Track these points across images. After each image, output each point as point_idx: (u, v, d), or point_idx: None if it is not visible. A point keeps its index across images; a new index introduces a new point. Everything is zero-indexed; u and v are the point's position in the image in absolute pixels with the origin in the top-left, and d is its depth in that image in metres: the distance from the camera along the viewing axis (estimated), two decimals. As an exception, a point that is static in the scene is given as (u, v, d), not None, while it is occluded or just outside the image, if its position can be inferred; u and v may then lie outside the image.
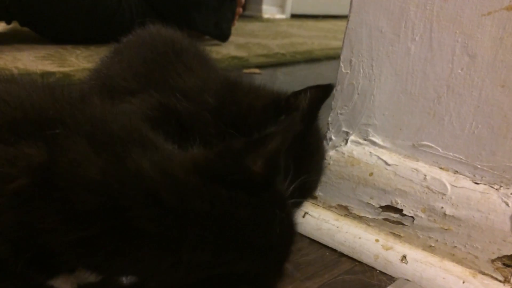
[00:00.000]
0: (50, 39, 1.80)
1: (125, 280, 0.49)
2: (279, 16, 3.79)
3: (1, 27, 1.88)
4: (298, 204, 0.67)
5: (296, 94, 0.65)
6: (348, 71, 0.72)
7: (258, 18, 3.60)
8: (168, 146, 0.50)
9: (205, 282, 0.43)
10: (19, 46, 1.67)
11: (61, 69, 1.44)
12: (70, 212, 0.42)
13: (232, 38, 2.26)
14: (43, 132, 0.45)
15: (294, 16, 3.87)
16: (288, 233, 0.48)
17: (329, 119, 0.75)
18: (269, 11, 3.74)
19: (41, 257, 0.49)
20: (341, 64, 0.73)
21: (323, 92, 0.65)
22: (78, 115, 0.48)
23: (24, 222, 0.44)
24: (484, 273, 0.61)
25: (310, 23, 3.60)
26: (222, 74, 0.76)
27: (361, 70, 0.71)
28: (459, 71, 0.62)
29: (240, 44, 2.26)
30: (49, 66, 1.46)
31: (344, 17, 0.74)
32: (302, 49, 2.34)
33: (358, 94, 0.72)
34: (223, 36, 2.19)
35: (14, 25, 1.79)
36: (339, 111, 0.74)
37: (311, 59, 2.15)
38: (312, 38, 2.77)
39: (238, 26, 2.55)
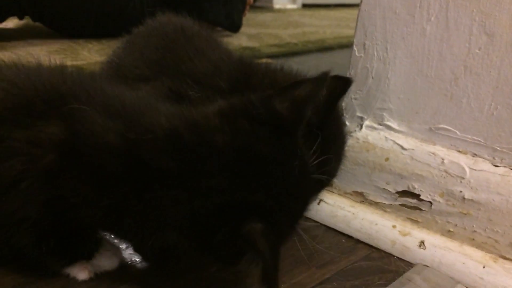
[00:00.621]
0: (62, 34, 1.81)
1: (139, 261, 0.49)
2: (290, 6, 3.76)
3: (13, 23, 1.89)
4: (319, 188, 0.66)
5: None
6: (362, 55, 0.71)
7: (269, 8, 3.57)
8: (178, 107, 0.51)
9: (221, 210, 0.43)
10: (32, 41, 1.68)
11: (74, 63, 1.44)
12: (98, 179, 0.45)
13: (243, 29, 2.25)
14: (59, 109, 0.47)
15: (305, 6, 3.84)
16: (305, 187, 0.48)
17: (343, 104, 0.74)
18: (280, 1, 3.71)
19: (61, 241, 0.50)
20: (355, 48, 0.71)
21: (342, 85, 0.63)
22: (90, 90, 0.50)
23: (57, 197, 0.46)
24: (505, 258, 0.60)
25: (322, 12, 3.56)
26: (236, 57, 0.74)
27: (375, 53, 0.69)
28: (477, 50, 0.60)
29: (252, 35, 2.24)
30: (61, 61, 1.47)
31: (356, 5, 0.72)
32: (314, 38, 2.32)
33: (372, 78, 0.70)
34: (234, 27, 2.17)
35: (27, 20, 1.80)
36: (353, 96, 0.73)
37: (324, 48, 2.13)
38: (324, 27, 2.74)
39: (249, 17, 2.54)
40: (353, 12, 0.69)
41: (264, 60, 1.78)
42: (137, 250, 0.59)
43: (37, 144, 0.46)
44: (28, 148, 0.46)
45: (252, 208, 0.44)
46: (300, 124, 0.47)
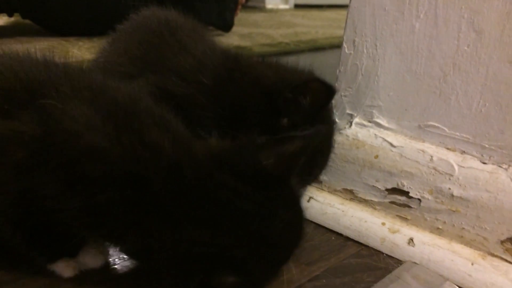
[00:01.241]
0: (53, 31, 1.79)
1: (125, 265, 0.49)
2: (282, 6, 3.76)
3: (3, 20, 1.87)
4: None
5: (294, 89, 0.62)
6: (352, 52, 0.71)
7: (261, 8, 3.57)
8: (180, 126, 0.50)
9: (199, 259, 0.43)
10: (21, 39, 1.66)
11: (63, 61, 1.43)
12: (73, 179, 0.43)
13: (235, 28, 2.24)
14: (36, 101, 0.45)
15: (297, 6, 3.84)
16: (292, 235, 0.48)
17: (333, 101, 0.74)
18: (272, 1, 3.71)
19: (43, 237, 0.49)
20: (344, 45, 0.71)
21: (325, 92, 0.62)
22: (75, 82, 0.48)
23: (27, 190, 0.45)
24: (493, 255, 0.60)
25: (314, 13, 3.57)
26: (221, 51, 0.73)
27: (365, 50, 0.69)
28: (466, 48, 0.60)
29: (243, 34, 2.24)
30: (51, 58, 1.45)
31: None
32: (306, 38, 2.32)
33: (362, 75, 0.70)
34: (226, 26, 2.17)
35: (16, 18, 1.78)
36: (342, 93, 0.73)
37: (316, 48, 2.13)
38: (316, 27, 2.74)
39: (241, 17, 2.53)
40: (345, 13, 0.69)
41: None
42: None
43: (9, 140, 0.44)
44: (3, 141, 0.45)
45: (227, 261, 0.43)
46: (288, 178, 0.47)
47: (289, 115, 0.62)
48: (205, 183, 0.44)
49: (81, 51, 1.60)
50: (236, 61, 0.69)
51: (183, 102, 0.63)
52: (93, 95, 0.47)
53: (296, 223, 0.48)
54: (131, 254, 0.52)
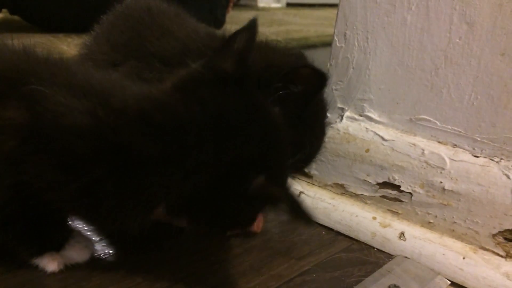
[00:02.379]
0: (42, 28, 1.77)
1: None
2: (274, 4, 3.76)
3: (-9, 16, 1.85)
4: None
5: (284, 77, 0.60)
6: (343, 45, 0.70)
7: (253, 6, 3.57)
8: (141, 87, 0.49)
9: (218, 181, 0.43)
10: (10, 35, 1.64)
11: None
12: (67, 162, 0.43)
13: (226, 26, 2.23)
14: (18, 89, 0.44)
15: (289, 5, 3.84)
16: (278, 130, 0.49)
17: (324, 95, 0.73)
18: (264, 0, 3.71)
19: (29, 230, 0.48)
20: (335, 38, 0.70)
21: (318, 79, 0.61)
22: (53, 69, 0.48)
23: (20, 182, 0.44)
24: (485, 249, 0.59)
25: (306, 11, 3.57)
26: (204, 32, 0.71)
27: (356, 43, 0.68)
28: (457, 40, 0.60)
29: (235, 32, 2.23)
30: (39, 54, 1.43)
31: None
32: (298, 36, 2.31)
33: (353, 68, 0.69)
34: (217, 23, 2.16)
35: (4, 13, 1.76)
36: (333, 87, 0.72)
37: (307, 45, 2.12)
38: (308, 25, 2.74)
39: (233, 15, 2.52)
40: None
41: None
42: (110, 234, 0.57)
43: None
44: None
45: (247, 166, 0.43)
46: (247, 74, 0.48)
47: (280, 103, 0.61)
48: (178, 111, 0.44)
49: (69, 47, 1.58)
50: (222, 40, 0.67)
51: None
52: (68, 79, 0.47)
53: (277, 122, 0.49)
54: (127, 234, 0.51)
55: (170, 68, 0.62)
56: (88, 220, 0.49)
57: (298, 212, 0.45)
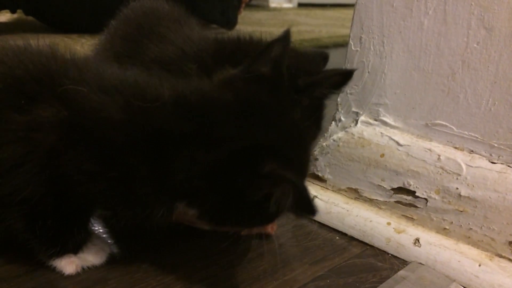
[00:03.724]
0: (56, 28, 1.79)
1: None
2: (286, 5, 3.76)
3: (6, 17, 1.87)
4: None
5: (309, 85, 0.62)
6: (358, 49, 0.69)
7: (265, 7, 3.56)
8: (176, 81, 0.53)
9: (235, 158, 0.45)
10: (24, 35, 1.66)
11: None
12: (104, 153, 0.46)
13: (238, 26, 2.24)
14: (51, 89, 0.47)
15: (301, 5, 3.83)
16: (302, 127, 0.52)
17: (339, 99, 0.73)
18: (276, 0, 3.70)
19: (52, 230, 0.50)
20: (351, 42, 0.70)
21: (343, 79, 0.63)
22: (82, 67, 0.50)
23: (60, 176, 0.46)
24: (501, 256, 0.59)
25: (318, 12, 3.56)
26: (200, 37, 0.71)
27: (372, 47, 0.68)
28: (475, 45, 0.59)
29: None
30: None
31: (352, 5, 0.71)
32: (310, 37, 2.31)
33: (368, 72, 0.69)
34: (229, 24, 2.16)
35: (19, 14, 1.78)
36: (348, 91, 0.72)
37: (319, 46, 2.12)
38: (320, 26, 2.73)
39: (245, 15, 2.53)
40: (348, 12, 0.69)
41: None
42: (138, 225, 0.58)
43: (36, 129, 0.46)
44: (29, 134, 0.46)
45: (264, 151, 0.46)
46: (283, 78, 0.52)
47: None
48: (217, 94, 0.48)
49: (83, 48, 1.59)
50: (218, 43, 0.68)
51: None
52: (98, 77, 0.49)
53: (301, 122, 0.54)
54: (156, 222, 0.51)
55: (170, 74, 0.63)
56: (116, 213, 0.50)
57: (302, 202, 0.45)
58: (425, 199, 0.64)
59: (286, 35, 0.54)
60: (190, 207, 0.49)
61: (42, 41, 0.53)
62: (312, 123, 0.66)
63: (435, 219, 0.63)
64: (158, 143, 0.46)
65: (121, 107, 0.46)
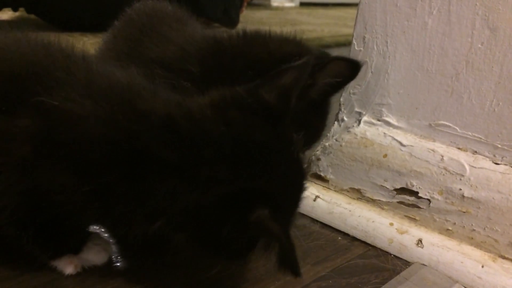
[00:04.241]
0: (58, 26, 1.78)
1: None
2: (288, 4, 3.75)
3: (8, 15, 1.87)
4: None
5: (314, 71, 0.60)
6: (361, 49, 0.69)
7: (266, 6, 3.56)
8: (172, 95, 0.49)
9: (224, 202, 0.42)
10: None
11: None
12: (79, 167, 0.43)
13: (240, 25, 2.23)
14: (31, 94, 0.44)
15: (303, 4, 3.82)
16: (299, 166, 0.48)
17: (341, 99, 0.73)
18: (278, -1, 3.70)
19: (47, 233, 0.49)
20: (354, 41, 0.70)
21: (350, 69, 0.61)
22: (72, 67, 0.47)
23: (34, 187, 0.44)
24: (504, 257, 0.58)
25: (320, 11, 3.55)
26: (199, 36, 0.70)
27: (375, 47, 0.68)
28: (479, 45, 0.59)
29: (249, 32, 2.22)
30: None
31: (355, 5, 0.71)
32: (312, 36, 2.30)
33: (371, 72, 0.69)
34: (231, 23, 2.16)
35: (21, 12, 1.78)
36: (351, 91, 0.71)
37: (321, 46, 2.11)
38: (322, 25, 2.73)
39: (247, 14, 2.52)
40: (351, 11, 0.68)
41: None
42: (122, 240, 0.57)
43: (10, 138, 0.44)
44: (2, 143, 0.44)
45: (256, 196, 0.43)
46: (288, 111, 0.47)
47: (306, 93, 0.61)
48: (207, 125, 0.43)
49: (85, 46, 1.59)
50: (219, 43, 0.67)
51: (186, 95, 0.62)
52: (88, 78, 0.46)
53: (300, 159, 0.49)
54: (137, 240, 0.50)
55: (172, 74, 0.62)
56: (99, 223, 0.49)
57: (287, 259, 0.43)
58: (428, 199, 0.63)
59: (304, 65, 0.48)
60: (171, 232, 0.47)
61: (40, 37, 0.51)
62: (317, 120, 0.64)
63: (438, 220, 0.63)
64: (140, 164, 0.42)
65: (103, 118, 0.43)
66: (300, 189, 0.49)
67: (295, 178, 0.47)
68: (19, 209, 0.45)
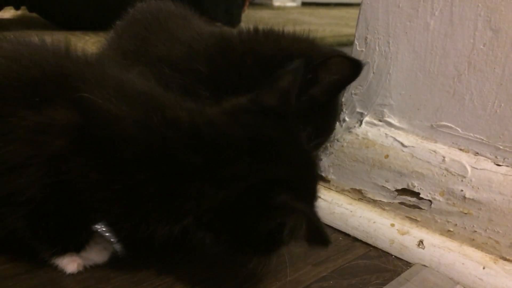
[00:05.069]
0: (59, 25, 1.78)
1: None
2: (290, 4, 3.75)
3: (10, 13, 1.87)
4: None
5: (316, 66, 0.60)
6: (363, 49, 0.69)
7: (268, 5, 3.55)
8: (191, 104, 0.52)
9: (246, 195, 0.45)
10: (28, 32, 1.65)
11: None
12: (113, 165, 0.45)
13: (242, 25, 2.23)
14: (67, 92, 0.46)
15: (305, 4, 3.82)
16: (310, 156, 0.52)
17: (343, 99, 0.73)
18: (280, -1, 3.70)
19: (54, 229, 0.49)
20: (356, 42, 0.70)
21: (352, 68, 0.61)
22: (97, 73, 0.49)
23: (64, 182, 0.45)
24: (505, 259, 0.58)
25: (322, 10, 3.55)
26: (207, 32, 0.70)
27: (377, 48, 0.68)
28: (481, 46, 0.59)
29: (251, 31, 2.22)
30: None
31: (356, 5, 0.71)
32: (314, 36, 2.30)
33: (373, 73, 0.69)
34: (233, 22, 2.16)
35: (23, 11, 1.78)
36: (353, 91, 0.71)
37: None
38: (324, 25, 2.72)
39: (248, 14, 2.52)
40: (353, 11, 0.68)
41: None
42: (125, 239, 0.58)
43: (46, 131, 0.45)
44: (37, 135, 0.45)
45: (275, 184, 0.46)
46: (290, 109, 0.51)
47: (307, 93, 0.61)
48: (225, 130, 0.48)
49: (87, 45, 1.59)
50: (227, 40, 0.67)
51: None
52: (117, 84, 0.49)
53: (309, 150, 0.52)
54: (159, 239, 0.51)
55: (179, 74, 0.62)
56: (116, 223, 0.50)
57: (315, 233, 0.46)
58: (429, 200, 0.63)
59: (298, 67, 0.53)
60: (198, 232, 0.48)
61: (56, 40, 0.52)
62: (324, 121, 0.64)
63: (439, 221, 0.63)
64: (169, 167, 0.45)
65: (138, 121, 0.46)
66: (314, 177, 0.52)
67: (307, 167, 0.51)
68: (43, 202, 0.46)
